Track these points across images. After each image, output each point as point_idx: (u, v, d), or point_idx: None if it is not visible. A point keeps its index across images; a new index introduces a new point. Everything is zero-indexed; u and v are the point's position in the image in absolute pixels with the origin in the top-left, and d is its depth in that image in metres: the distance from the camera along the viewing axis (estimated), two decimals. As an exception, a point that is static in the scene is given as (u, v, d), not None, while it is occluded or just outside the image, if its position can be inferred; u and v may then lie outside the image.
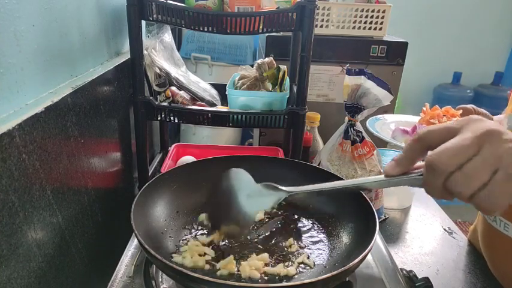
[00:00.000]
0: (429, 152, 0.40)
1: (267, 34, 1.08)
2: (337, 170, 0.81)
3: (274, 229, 0.61)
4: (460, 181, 0.38)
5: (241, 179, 0.57)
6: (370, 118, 0.79)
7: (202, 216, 0.62)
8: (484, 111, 0.76)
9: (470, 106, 0.76)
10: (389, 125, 0.78)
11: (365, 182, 0.51)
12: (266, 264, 0.53)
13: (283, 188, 0.55)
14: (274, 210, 0.65)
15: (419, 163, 0.45)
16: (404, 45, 1.11)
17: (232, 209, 0.56)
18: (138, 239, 0.47)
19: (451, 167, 0.38)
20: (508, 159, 0.37)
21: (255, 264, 0.52)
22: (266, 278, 0.51)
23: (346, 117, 0.84)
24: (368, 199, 0.57)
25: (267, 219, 0.63)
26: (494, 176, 0.37)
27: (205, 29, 0.73)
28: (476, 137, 0.38)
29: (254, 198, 0.56)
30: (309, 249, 0.57)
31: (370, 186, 0.49)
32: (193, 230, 0.60)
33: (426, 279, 0.57)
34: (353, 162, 0.81)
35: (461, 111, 0.76)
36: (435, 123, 0.71)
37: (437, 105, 0.77)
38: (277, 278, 0.51)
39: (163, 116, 0.83)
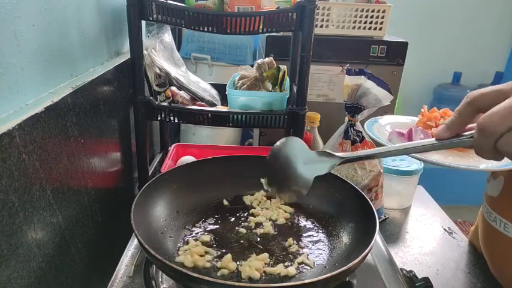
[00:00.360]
0: (481, 115, 0.41)
1: (267, 34, 1.08)
2: (337, 170, 0.81)
3: (274, 229, 0.61)
4: (510, 142, 0.39)
5: (297, 147, 0.61)
6: (368, 121, 0.79)
7: (263, 181, 0.66)
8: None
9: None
10: (385, 127, 0.78)
11: (417, 146, 0.50)
12: (266, 264, 0.53)
13: (337, 153, 0.57)
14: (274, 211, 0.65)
15: (470, 125, 0.46)
16: (404, 45, 1.11)
17: (291, 174, 0.60)
18: (138, 239, 0.47)
19: (502, 129, 0.39)
20: None
21: (255, 265, 0.52)
22: (266, 278, 0.51)
23: (346, 117, 0.84)
24: (368, 199, 0.57)
25: (267, 221, 0.63)
26: None
27: (205, 29, 0.73)
28: None
29: (310, 164, 0.59)
30: (309, 249, 0.57)
31: (423, 149, 0.49)
32: (193, 230, 0.60)
33: (426, 279, 0.57)
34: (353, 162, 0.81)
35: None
36: (432, 126, 0.71)
37: (435, 108, 0.76)
38: (277, 278, 0.51)
39: (163, 116, 0.83)
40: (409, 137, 0.68)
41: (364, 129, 0.76)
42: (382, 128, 0.76)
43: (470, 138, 0.44)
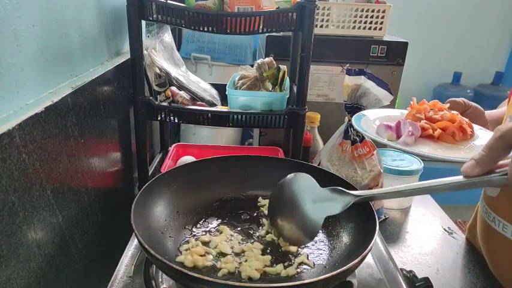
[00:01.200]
0: None
1: (267, 34, 1.08)
2: (337, 170, 0.81)
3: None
4: None
5: (306, 184, 0.55)
6: (356, 115, 0.76)
7: (266, 223, 0.61)
8: (475, 104, 0.73)
9: (460, 99, 0.73)
10: (374, 121, 0.74)
11: (441, 184, 0.46)
12: (266, 265, 0.53)
13: (351, 191, 0.53)
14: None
15: (502, 162, 0.43)
16: (404, 45, 1.11)
17: (298, 214, 0.54)
18: (138, 239, 0.47)
19: None
20: None
21: (255, 265, 0.52)
22: (266, 278, 0.51)
23: (346, 117, 0.84)
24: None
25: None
26: None
27: (205, 29, 0.73)
28: None
29: (320, 203, 0.54)
30: (309, 249, 0.57)
31: (448, 188, 0.46)
32: (193, 230, 0.60)
33: (426, 279, 0.57)
34: (353, 162, 0.81)
35: (448, 104, 0.74)
36: (421, 118, 0.68)
37: (424, 99, 0.74)
38: (277, 278, 0.51)
39: (163, 116, 0.83)
40: (397, 130, 0.65)
41: (352, 123, 0.73)
42: (371, 122, 0.73)
43: (503, 176, 0.41)
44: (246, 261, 0.54)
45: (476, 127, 0.68)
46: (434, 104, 0.71)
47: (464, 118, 0.66)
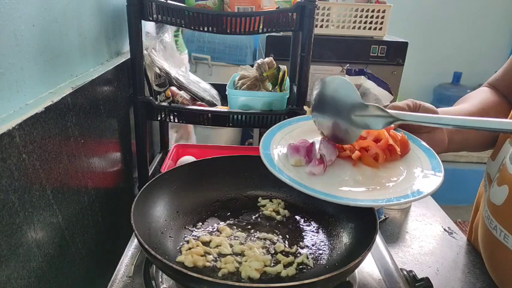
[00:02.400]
0: None
1: (267, 34, 1.08)
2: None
3: (274, 229, 0.61)
4: None
5: (346, 91, 0.53)
6: (280, 124, 0.62)
7: (306, 109, 0.59)
8: (427, 105, 0.62)
9: (403, 103, 0.61)
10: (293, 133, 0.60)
11: (486, 126, 0.43)
12: (266, 265, 0.53)
13: (391, 111, 0.49)
14: (274, 211, 0.65)
15: None
16: (404, 45, 1.11)
17: (339, 119, 0.52)
18: (138, 239, 0.47)
19: None
20: None
21: (254, 265, 0.52)
22: (266, 278, 0.51)
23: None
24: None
25: (266, 222, 0.63)
26: None
27: (205, 29, 0.73)
28: None
29: (361, 115, 0.51)
30: (309, 249, 0.57)
31: (496, 129, 0.43)
32: (193, 230, 0.60)
33: (426, 279, 0.57)
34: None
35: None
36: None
37: None
38: (277, 278, 0.51)
39: (163, 116, 0.83)
40: (308, 154, 0.53)
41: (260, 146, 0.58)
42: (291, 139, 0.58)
43: None
44: (246, 261, 0.54)
45: (420, 143, 0.57)
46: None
47: (402, 131, 0.57)
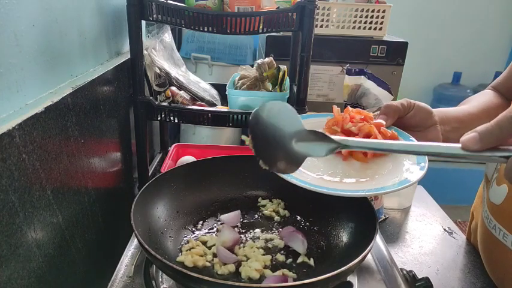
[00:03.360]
0: None
1: (267, 34, 1.08)
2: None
3: (274, 229, 0.61)
4: None
5: (286, 117, 0.50)
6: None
7: (244, 138, 0.55)
8: (422, 104, 0.63)
9: (397, 103, 0.62)
10: None
11: (436, 151, 0.41)
12: (266, 265, 0.53)
13: (335, 137, 0.47)
14: (274, 211, 0.65)
15: None
16: (404, 45, 1.11)
17: (280, 147, 0.49)
18: (138, 239, 0.47)
19: None
20: None
21: (254, 265, 0.52)
22: (266, 278, 0.51)
23: (346, 117, 0.84)
24: (368, 199, 0.57)
25: (266, 221, 0.63)
26: None
27: (205, 29, 0.73)
28: None
29: (303, 142, 0.48)
30: (309, 249, 0.57)
31: (443, 155, 0.41)
32: (193, 230, 0.60)
33: (426, 279, 0.57)
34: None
35: (375, 113, 0.63)
36: (337, 131, 0.59)
37: (349, 107, 0.63)
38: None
39: (163, 116, 0.83)
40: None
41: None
42: None
43: (504, 159, 0.37)
44: (246, 261, 0.54)
45: (410, 139, 0.58)
46: (359, 113, 0.61)
47: (394, 129, 0.59)
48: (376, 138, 0.55)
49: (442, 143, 0.41)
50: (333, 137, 0.46)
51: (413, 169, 0.52)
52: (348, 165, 0.55)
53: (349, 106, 0.63)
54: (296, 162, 0.49)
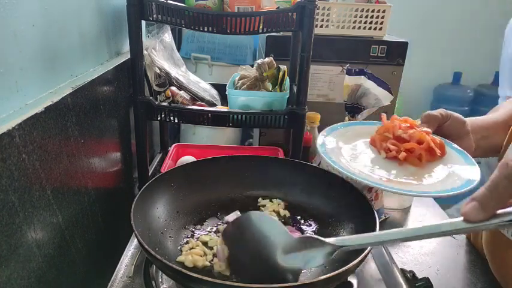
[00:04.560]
0: None
1: (267, 34, 1.08)
2: (337, 170, 0.81)
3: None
4: None
5: (269, 228, 0.45)
6: (323, 131, 0.65)
7: (219, 266, 0.52)
8: (455, 115, 0.66)
9: (437, 112, 0.65)
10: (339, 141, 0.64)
11: (435, 231, 0.38)
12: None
13: (328, 240, 0.42)
14: (274, 211, 0.65)
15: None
16: (405, 45, 1.11)
17: (265, 267, 0.44)
18: (138, 239, 0.47)
19: None
20: None
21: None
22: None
23: (346, 117, 0.84)
24: (368, 199, 0.57)
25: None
26: None
27: (205, 29, 0.73)
28: None
29: (293, 253, 0.44)
30: (309, 249, 0.57)
31: (447, 233, 0.38)
32: (193, 230, 0.60)
33: (426, 279, 0.57)
34: (353, 162, 0.81)
35: (419, 121, 0.66)
36: (389, 137, 0.62)
37: (395, 115, 0.66)
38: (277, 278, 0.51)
39: (163, 116, 0.83)
40: None
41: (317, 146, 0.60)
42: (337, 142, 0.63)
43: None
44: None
45: (452, 146, 0.63)
46: (406, 121, 0.64)
47: (437, 137, 0.62)
48: (428, 144, 0.59)
49: (441, 222, 0.38)
50: (326, 240, 0.43)
51: (467, 169, 0.56)
52: (404, 169, 0.58)
53: (395, 115, 0.68)
54: (292, 277, 0.43)
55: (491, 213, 0.35)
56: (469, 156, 0.60)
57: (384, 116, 0.66)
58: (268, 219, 0.46)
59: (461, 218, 0.36)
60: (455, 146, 0.62)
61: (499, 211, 0.35)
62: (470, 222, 0.36)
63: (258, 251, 0.45)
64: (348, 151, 0.61)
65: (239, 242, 0.47)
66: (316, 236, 0.44)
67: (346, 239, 0.44)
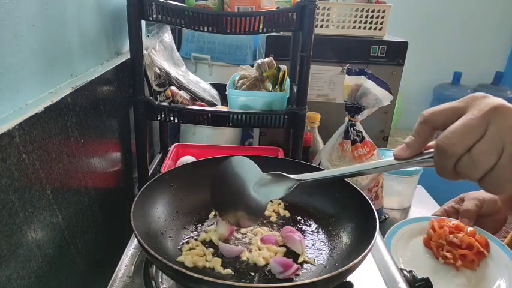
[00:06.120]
0: (439, 135, 0.40)
1: (267, 34, 1.08)
2: (337, 170, 0.81)
3: (274, 230, 0.61)
4: (468, 165, 0.38)
5: (247, 169, 0.56)
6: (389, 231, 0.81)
7: (213, 214, 0.63)
8: (487, 195, 0.80)
9: (472, 205, 0.78)
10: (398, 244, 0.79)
11: (376, 167, 0.49)
12: (271, 256, 0.53)
13: (292, 176, 0.54)
14: (273, 211, 0.65)
15: (430, 143, 0.45)
16: (405, 45, 1.11)
17: (242, 199, 0.55)
18: (138, 239, 0.47)
19: (460, 150, 0.38)
20: (509, 138, 0.36)
21: (262, 253, 0.54)
22: (266, 277, 0.51)
23: (346, 117, 0.84)
24: (368, 199, 0.57)
25: (265, 221, 0.63)
26: (499, 160, 0.37)
27: (205, 29, 0.73)
28: (482, 116, 0.37)
29: (263, 187, 0.55)
30: (309, 249, 0.57)
31: (382, 170, 0.49)
32: (193, 230, 0.60)
33: (426, 279, 0.57)
34: (353, 162, 0.81)
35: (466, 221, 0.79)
36: (444, 244, 0.74)
37: (444, 218, 0.79)
38: (277, 278, 0.51)
39: (163, 116, 0.83)
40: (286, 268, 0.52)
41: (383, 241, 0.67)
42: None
43: (430, 158, 0.43)
44: (249, 250, 0.55)
45: (493, 242, 0.77)
46: (457, 227, 0.76)
47: (478, 230, 0.77)
48: (478, 248, 0.73)
49: (379, 160, 0.52)
50: (291, 176, 0.53)
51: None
52: (460, 276, 0.72)
53: (444, 218, 0.81)
54: (258, 211, 0.55)
55: (414, 152, 0.45)
56: (503, 244, 0.76)
57: (434, 222, 0.78)
58: (246, 160, 0.57)
59: (393, 158, 0.46)
60: (500, 242, 0.77)
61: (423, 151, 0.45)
62: (399, 159, 0.46)
63: (236, 186, 0.56)
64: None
65: (222, 180, 0.57)
66: (281, 173, 0.54)
67: (305, 175, 0.54)
